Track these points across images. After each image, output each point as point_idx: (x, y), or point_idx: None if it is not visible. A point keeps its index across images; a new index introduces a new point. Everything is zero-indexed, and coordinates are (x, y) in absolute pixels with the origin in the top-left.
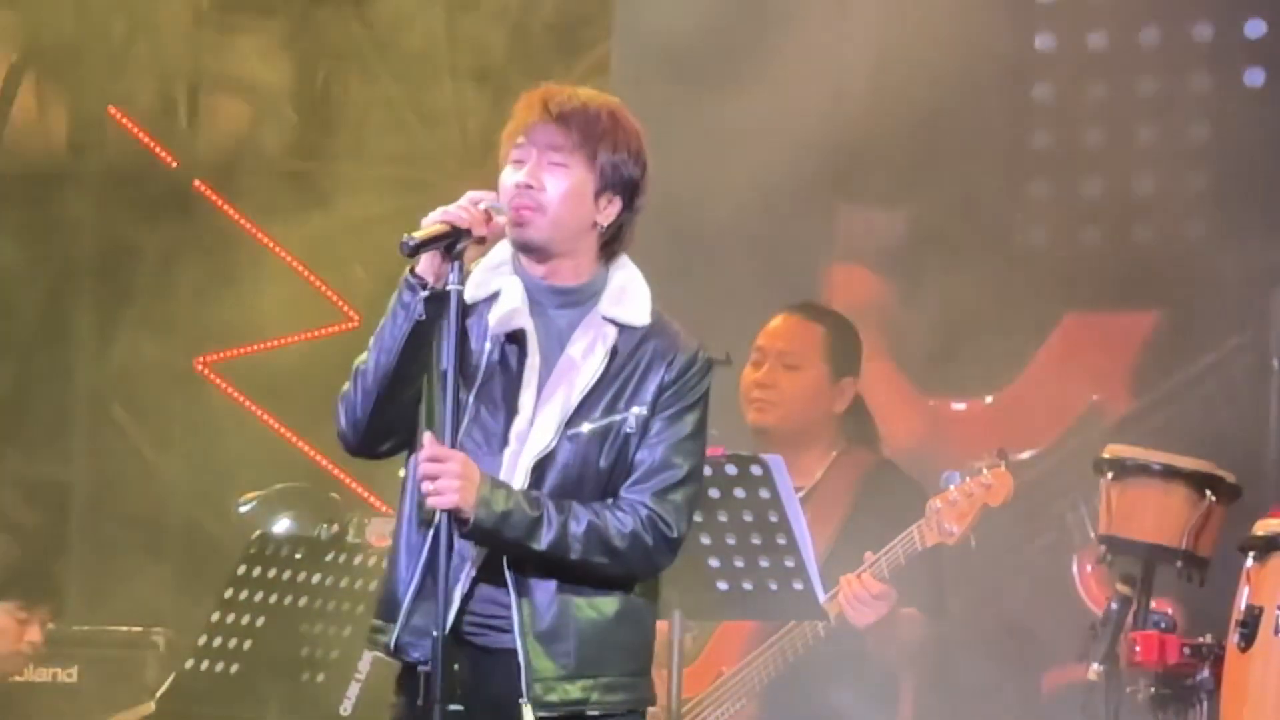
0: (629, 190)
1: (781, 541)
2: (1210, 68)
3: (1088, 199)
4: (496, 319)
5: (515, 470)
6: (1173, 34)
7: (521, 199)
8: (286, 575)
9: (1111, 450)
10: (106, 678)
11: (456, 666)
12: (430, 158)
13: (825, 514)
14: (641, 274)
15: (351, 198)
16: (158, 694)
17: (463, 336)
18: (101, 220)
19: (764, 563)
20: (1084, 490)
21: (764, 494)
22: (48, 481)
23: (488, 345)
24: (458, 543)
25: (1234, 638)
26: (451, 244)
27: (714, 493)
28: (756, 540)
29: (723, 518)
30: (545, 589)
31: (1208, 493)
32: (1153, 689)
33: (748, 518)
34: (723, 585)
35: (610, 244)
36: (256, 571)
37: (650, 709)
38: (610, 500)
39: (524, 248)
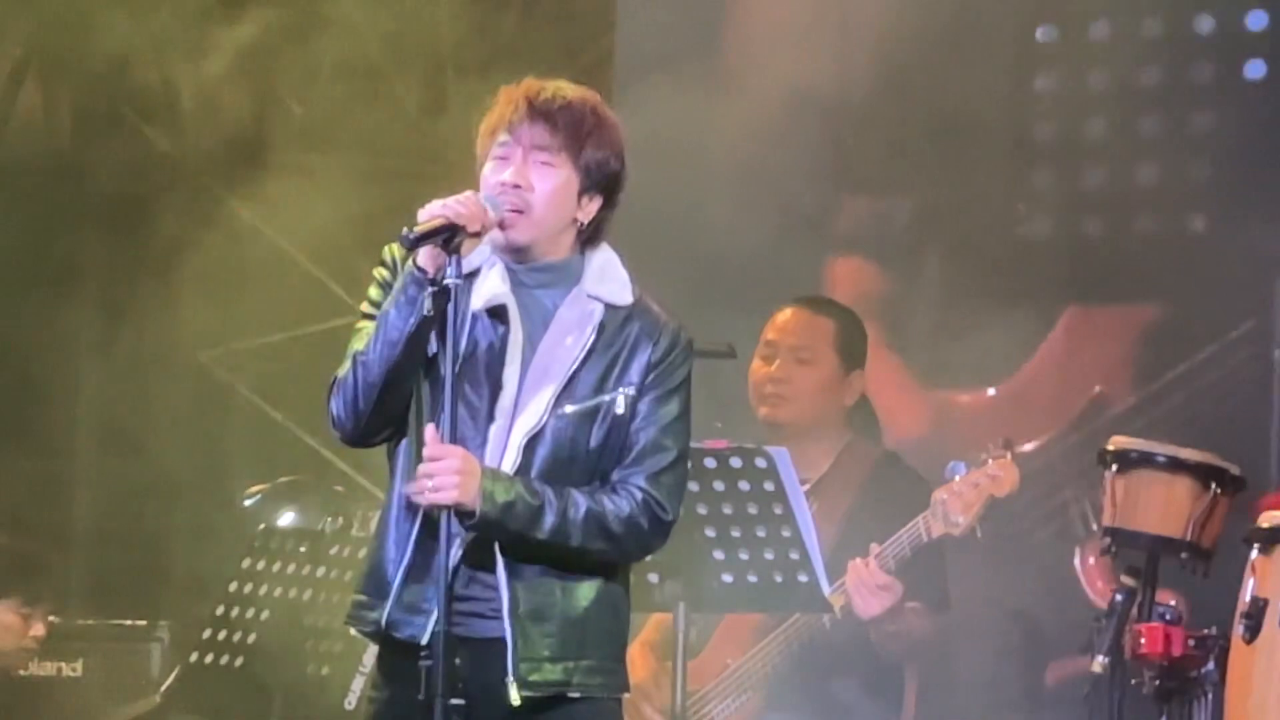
0: (610, 188)
1: (786, 534)
2: (1211, 59)
3: (1090, 190)
4: (479, 296)
5: (506, 446)
6: (1174, 26)
7: (508, 198)
8: (291, 568)
9: (1115, 442)
10: (111, 671)
11: (458, 660)
12: (434, 151)
13: (832, 506)
14: (622, 260)
15: (354, 191)
16: (163, 687)
17: (443, 315)
18: (105, 214)
19: (769, 555)
20: (1088, 482)
21: (769, 486)
22: (51, 475)
23: (469, 320)
24: (445, 530)
25: (1239, 629)
26: (449, 237)
27: (719, 485)
28: (761, 533)
29: (727, 510)
30: (531, 571)
31: (1212, 484)
32: (1157, 681)
33: (752, 510)
34: (727, 578)
35: (588, 239)
36: (261, 565)
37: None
38: (604, 484)
39: (506, 248)
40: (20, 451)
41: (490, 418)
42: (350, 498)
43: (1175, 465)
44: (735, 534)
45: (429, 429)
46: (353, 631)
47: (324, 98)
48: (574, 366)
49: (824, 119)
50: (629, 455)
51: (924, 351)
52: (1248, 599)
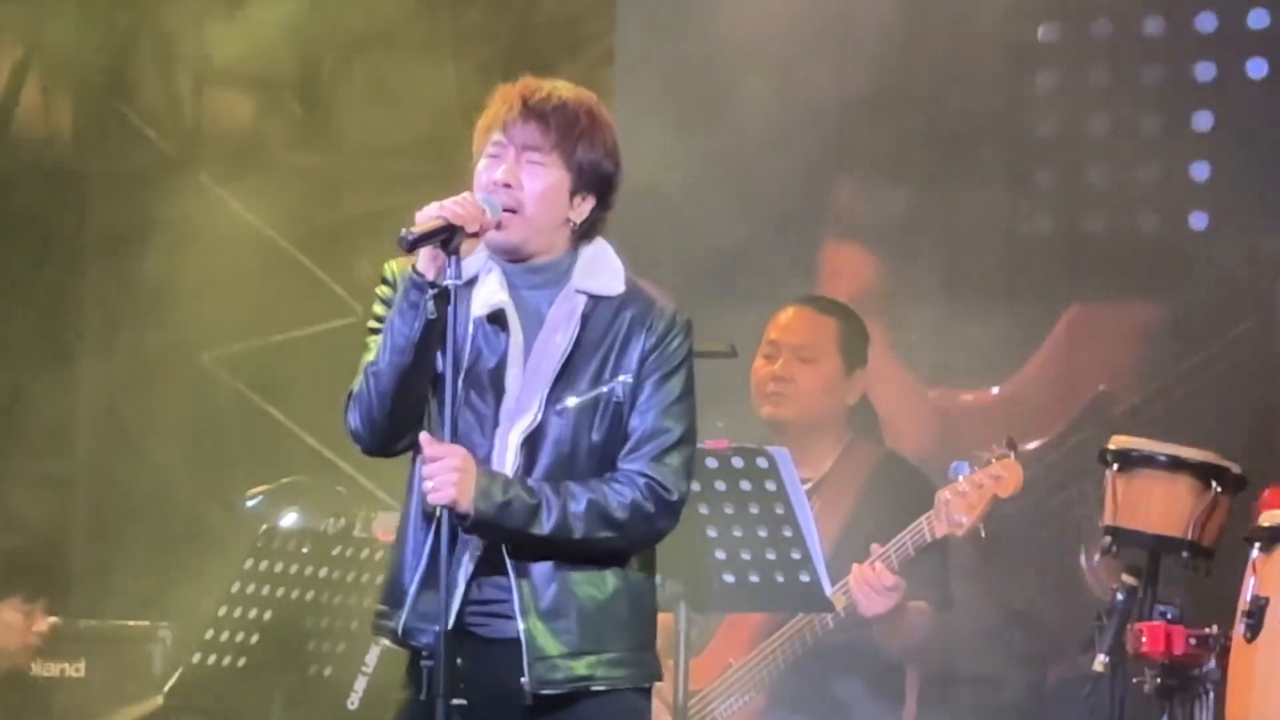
0: (604, 188)
1: (788, 534)
2: (1213, 58)
3: (1092, 188)
4: (479, 302)
5: (506, 448)
6: (1176, 24)
7: (499, 197)
8: (293, 569)
9: (1117, 441)
10: (113, 672)
11: (460, 661)
12: (434, 151)
13: (834, 505)
14: (611, 247)
15: (355, 191)
16: (165, 688)
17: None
18: (106, 214)
19: (770, 555)
20: (1090, 481)
21: (770, 486)
22: (53, 476)
23: (470, 329)
24: (459, 534)
25: (1240, 628)
26: (448, 238)
27: (720, 485)
28: (763, 533)
29: (729, 510)
30: (543, 568)
31: (1213, 483)
32: (1159, 680)
33: (754, 510)
34: (729, 577)
35: (582, 238)
36: (263, 565)
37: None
38: (606, 474)
39: (498, 248)
40: (20, 451)
41: (496, 423)
42: (352, 498)
43: (1176, 464)
44: (737, 534)
45: (423, 435)
46: (383, 641)
47: (324, 98)
48: (561, 362)
49: (824, 118)
50: (630, 442)
51: (925, 351)
52: (1249, 597)
